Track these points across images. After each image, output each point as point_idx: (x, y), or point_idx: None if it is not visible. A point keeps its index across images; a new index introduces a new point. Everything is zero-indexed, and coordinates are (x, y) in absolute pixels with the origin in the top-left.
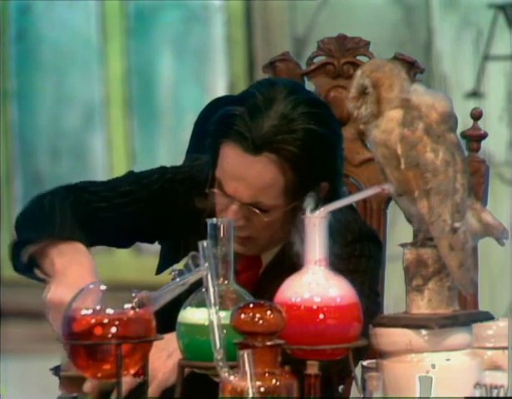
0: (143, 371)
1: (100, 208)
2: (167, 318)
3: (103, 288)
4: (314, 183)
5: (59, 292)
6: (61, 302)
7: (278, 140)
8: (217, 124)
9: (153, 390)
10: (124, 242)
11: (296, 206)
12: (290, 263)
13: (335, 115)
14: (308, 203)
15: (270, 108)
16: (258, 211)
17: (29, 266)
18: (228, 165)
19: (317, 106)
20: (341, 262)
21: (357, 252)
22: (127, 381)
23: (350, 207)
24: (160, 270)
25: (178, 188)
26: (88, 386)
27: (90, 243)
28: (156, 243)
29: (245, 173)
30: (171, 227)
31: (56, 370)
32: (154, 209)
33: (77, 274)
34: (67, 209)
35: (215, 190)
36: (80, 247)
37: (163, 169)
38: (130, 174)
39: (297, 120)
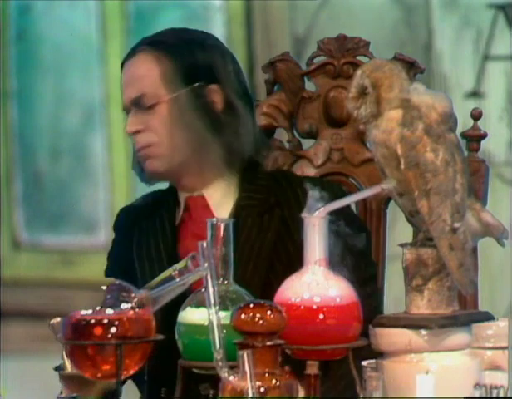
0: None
1: None
2: (167, 318)
3: (103, 287)
4: (194, 76)
5: None
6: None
7: (150, 37)
8: None
9: None
10: None
11: (183, 103)
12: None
13: (224, 46)
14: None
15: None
16: (145, 104)
17: None
18: (121, 82)
19: (210, 34)
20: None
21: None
22: None
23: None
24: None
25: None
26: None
27: None
28: None
29: (128, 75)
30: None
31: (59, 369)
32: None
33: None
34: None
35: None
36: None
37: None
38: None
39: (177, 30)
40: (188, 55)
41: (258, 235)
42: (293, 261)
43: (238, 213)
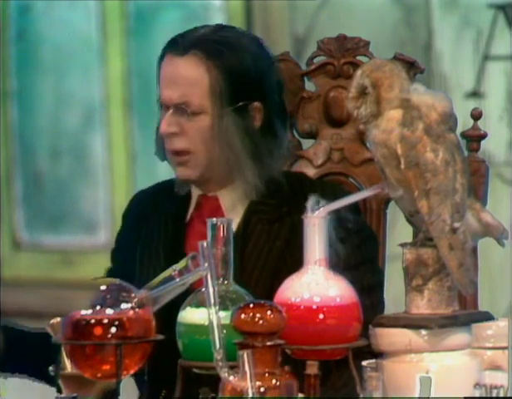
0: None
1: None
2: (167, 318)
3: (103, 287)
4: (242, 94)
5: None
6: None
7: (204, 39)
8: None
9: None
10: None
11: (227, 121)
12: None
13: (271, 56)
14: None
15: (206, 26)
16: (187, 110)
17: None
18: (163, 74)
19: (259, 38)
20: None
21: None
22: None
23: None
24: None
25: None
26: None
27: None
28: None
29: (174, 75)
30: None
31: (56, 369)
32: None
33: None
34: None
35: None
36: None
37: None
38: None
39: (229, 32)
40: (239, 69)
41: (266, 243)
42: (300, 267)
43: (249, 218)
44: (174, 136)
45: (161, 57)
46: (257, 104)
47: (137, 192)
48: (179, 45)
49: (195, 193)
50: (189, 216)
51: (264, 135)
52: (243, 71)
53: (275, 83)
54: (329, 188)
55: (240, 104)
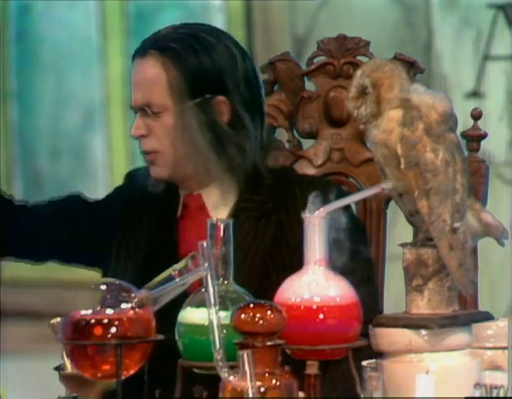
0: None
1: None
2: (167, 318)
3: (103, 287)
4: (201, 89)
5: None
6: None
7: (161, 38)
8: None
9: None
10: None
11: (188, 117)
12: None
13: (241, 48)
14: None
15: (171, 26)
16: (149, 111)
17: None
18: (131, 78)
19: (223, 33)
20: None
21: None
22: None
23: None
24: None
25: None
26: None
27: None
28: None
29: (137, 77)
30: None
31: (59, 369)
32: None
33: None
34: None
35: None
36: None
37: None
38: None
39: (188, 29)
40: (196, 64)
41: (253, 240)
42: (287, 265)
43: (236, 215)
44: (143, 138)
45: (132, 62)
46: (221, 98)
47: (130, 172)
48: (142, 47)
49: (182, 192)
50: (179, 213)
51: (233, 129)
52: (201, 66)
53: (242, 76)
54: (317, 182)
55: (200, 99)
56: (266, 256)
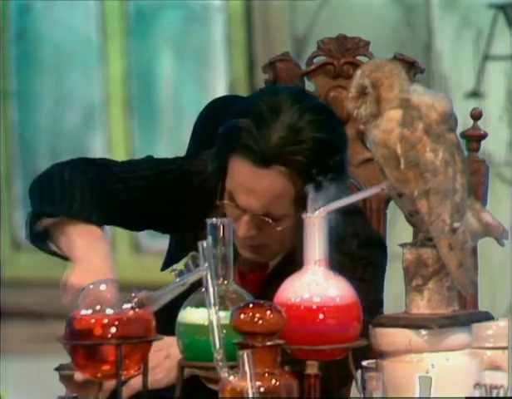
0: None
1: (116, 189)
2: (167, 318)
3: (103, 287)
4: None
5: (80, 278)
6: (79, 289)
7: (286, 152)
8: (223, 137)
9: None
10: (137, 226)
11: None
12: (297, 264)
13: (338, 118)
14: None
15: (276, 119)
16: (270, 221)
17: (42, 236)
18: (239, 179)
19: (323, 113)
20: (347, 269)
21: (364, 260)
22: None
23: (358, 211)
24: (165, 266)
25: (192, 180)
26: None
27: (105, 222)
28: (160, 239)
29: (256, 186)
30: (181, 218)
31: (59, 369)
32: (166, 198)
33: (98, 262)
34: (87, 186)
35: (226, 202)
36: (97, 232)
37: (180, 159)
38: (149, 158)
39: (304, 130)
40: (322, 171)
41: None
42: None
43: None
44: (252, 236)
45: (227, 155)
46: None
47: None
48: (256, 154)
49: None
50: None
51: None
52: (326, 174)
53: (348, 158)
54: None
55: None
56: None
